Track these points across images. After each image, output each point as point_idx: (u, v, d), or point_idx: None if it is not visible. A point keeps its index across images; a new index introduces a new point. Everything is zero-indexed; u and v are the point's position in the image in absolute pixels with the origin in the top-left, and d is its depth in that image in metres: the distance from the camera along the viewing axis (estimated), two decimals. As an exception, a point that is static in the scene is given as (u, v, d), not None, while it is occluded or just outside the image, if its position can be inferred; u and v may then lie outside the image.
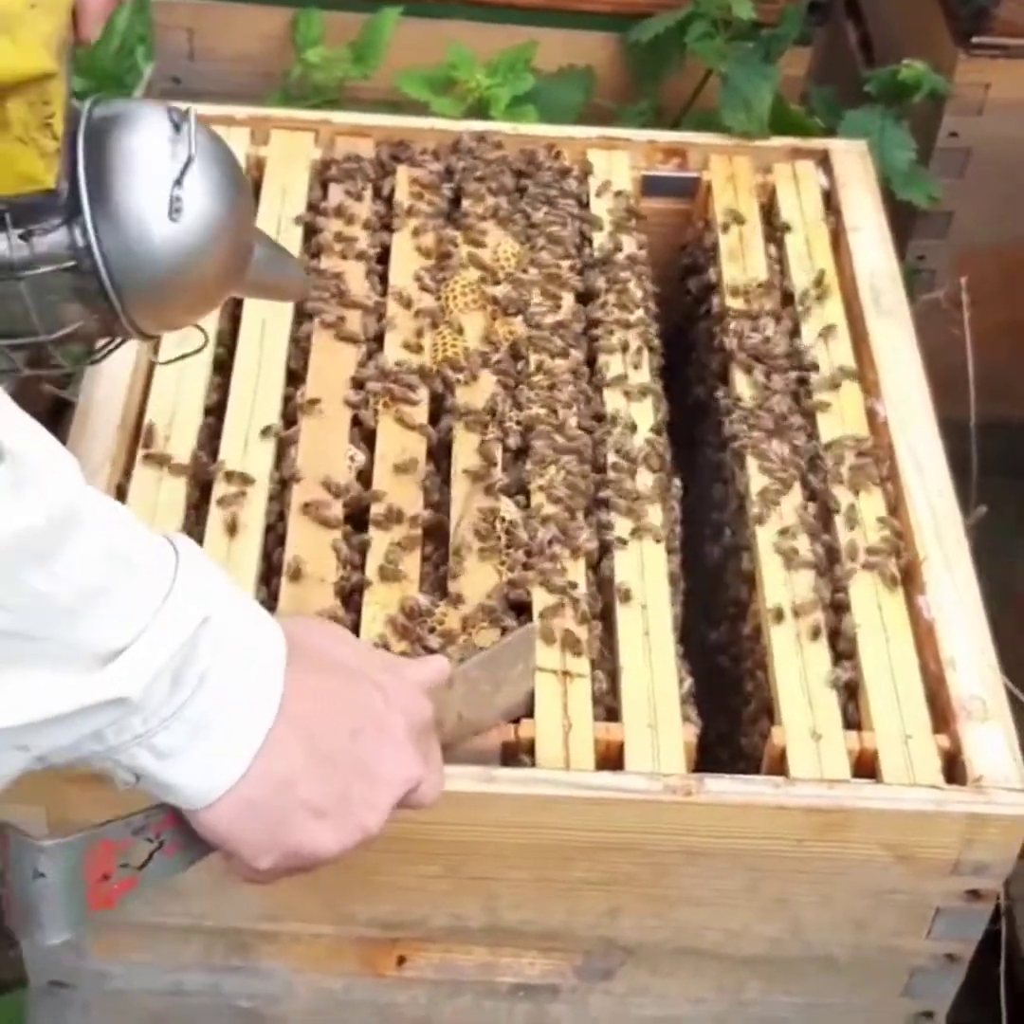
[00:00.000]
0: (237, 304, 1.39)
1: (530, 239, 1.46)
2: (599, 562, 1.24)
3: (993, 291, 1.78)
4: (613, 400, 1.35)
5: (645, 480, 1.29)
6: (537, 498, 1.26)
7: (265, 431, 1.28)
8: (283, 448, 1.29)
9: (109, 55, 2.37)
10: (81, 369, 1.55)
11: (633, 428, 1.32)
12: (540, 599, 1.20)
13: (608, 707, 1.16)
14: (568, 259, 1.45)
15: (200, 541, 1.21)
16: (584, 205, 1.51)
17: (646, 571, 1.23)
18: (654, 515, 1.26)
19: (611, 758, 1.13)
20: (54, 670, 0.78)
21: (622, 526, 1.25)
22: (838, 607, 1.22)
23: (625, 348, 1.38)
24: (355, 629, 1.17)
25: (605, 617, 1.21)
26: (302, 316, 1.38)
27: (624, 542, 1.24)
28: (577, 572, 1.22)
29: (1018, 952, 1.49)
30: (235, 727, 0.86)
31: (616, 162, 1.54)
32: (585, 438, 1.31)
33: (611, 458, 1.30)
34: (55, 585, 0.76)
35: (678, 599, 1.24)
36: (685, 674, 1.18)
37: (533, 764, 1.12)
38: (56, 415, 1.92)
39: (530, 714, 1.14)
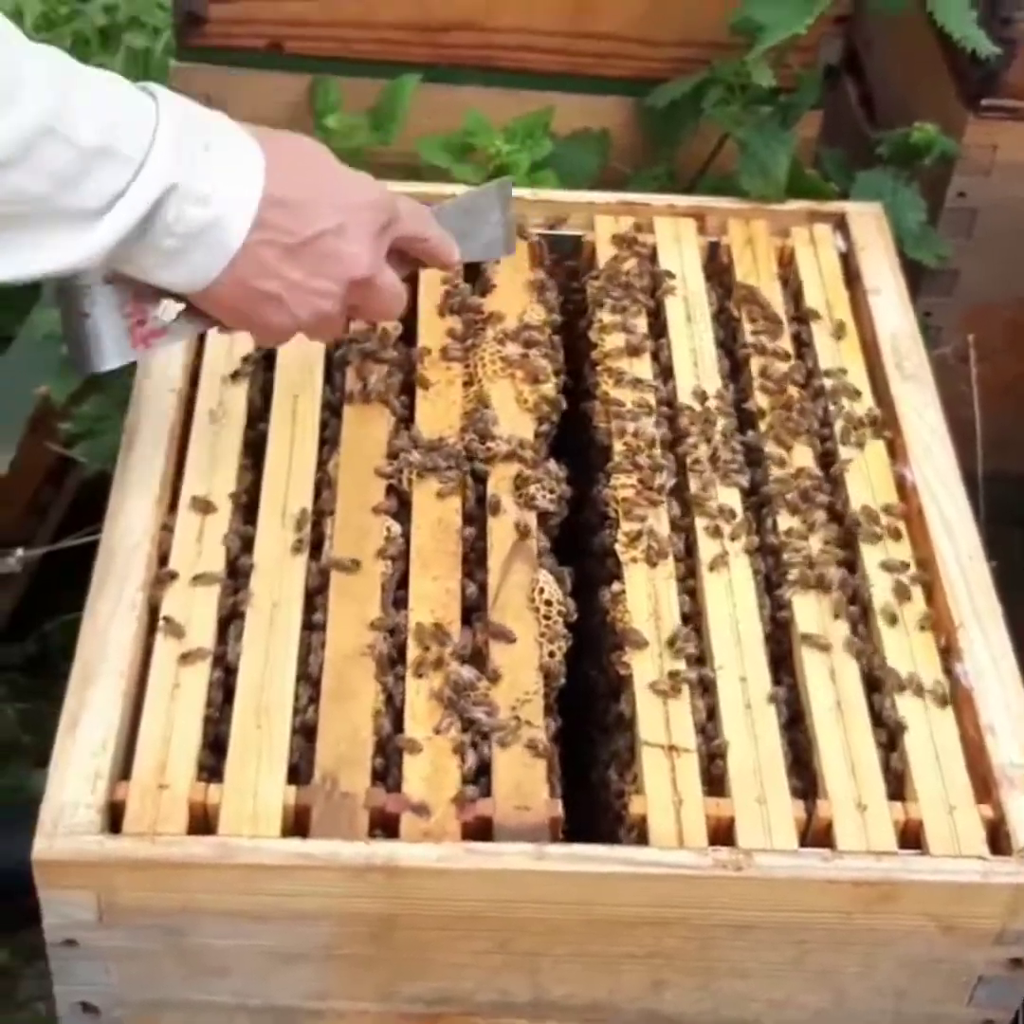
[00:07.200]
0: (268, 375, 1.39)
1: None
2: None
3: (999, 348, 1.80)
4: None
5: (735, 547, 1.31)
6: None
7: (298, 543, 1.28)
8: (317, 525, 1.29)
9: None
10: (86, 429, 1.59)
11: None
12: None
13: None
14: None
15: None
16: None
17: (742, 640, 1.24)
18: (743, 573, 1.28)
19: (721, 833, 1.13)
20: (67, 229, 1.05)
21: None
22: (877, 679, 1.23)
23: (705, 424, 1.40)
24: (400, 705, 1.18)
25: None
26: (332, 385, 1.39)
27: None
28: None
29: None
30: (206, 255, 1.11)
31: (683, 229, 1.55)
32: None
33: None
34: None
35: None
36: (787, 747, 1.19)
37: (645, 841, 1.12)
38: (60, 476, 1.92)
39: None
